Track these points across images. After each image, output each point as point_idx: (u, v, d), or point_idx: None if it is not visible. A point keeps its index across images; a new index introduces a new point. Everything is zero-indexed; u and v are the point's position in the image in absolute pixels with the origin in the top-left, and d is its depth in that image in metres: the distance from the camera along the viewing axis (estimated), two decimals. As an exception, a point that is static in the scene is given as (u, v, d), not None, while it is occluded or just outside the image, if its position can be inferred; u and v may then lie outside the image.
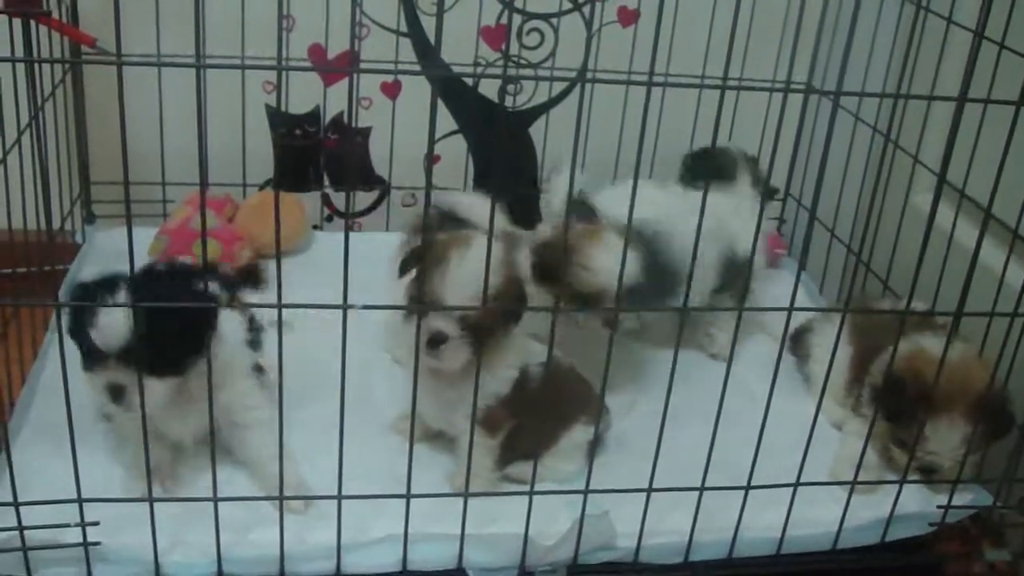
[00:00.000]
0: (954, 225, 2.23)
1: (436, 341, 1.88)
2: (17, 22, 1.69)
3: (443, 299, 1.85)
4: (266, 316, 2.11)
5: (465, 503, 1.79)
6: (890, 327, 1.93)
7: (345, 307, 1.57)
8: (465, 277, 1.84)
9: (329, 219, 3.27)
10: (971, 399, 2.02)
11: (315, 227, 3.17)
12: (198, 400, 1.77)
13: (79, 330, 1.72)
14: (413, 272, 1.94)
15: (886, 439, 2.14)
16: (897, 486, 1.99)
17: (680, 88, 1.66)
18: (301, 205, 3.05)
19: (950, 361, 1.92)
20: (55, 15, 2.45)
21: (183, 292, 1.78)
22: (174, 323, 1.69)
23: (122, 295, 1.69)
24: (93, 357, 1.72)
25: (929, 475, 2.09)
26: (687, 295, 1.65)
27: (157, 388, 1.76)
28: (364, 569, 1.86)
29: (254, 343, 2.07)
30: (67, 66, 2.71)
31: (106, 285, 1.73)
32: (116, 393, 1.75)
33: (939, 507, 2.03)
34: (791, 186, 3.20)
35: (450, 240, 1.91)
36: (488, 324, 1.89)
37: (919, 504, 2.06)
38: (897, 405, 2.06)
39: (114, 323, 1.68)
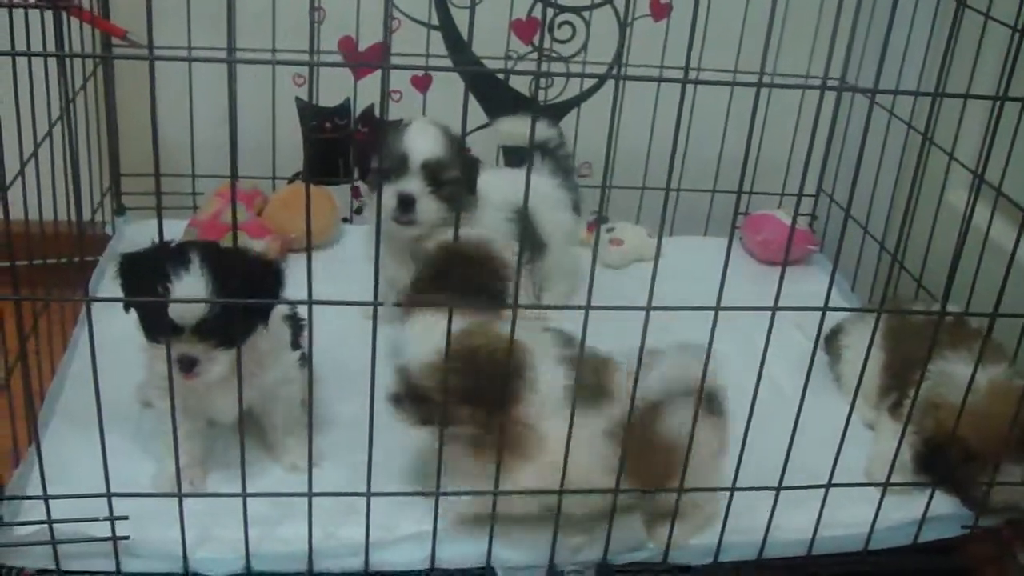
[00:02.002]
0: (990, 224, 2.20)
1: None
2: (49, 15, 1.69)
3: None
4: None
5: (495, 501, 1.78)
6: (923, 335, 1.91)
7: (376, 304, 1.56)
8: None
9: (359, 212, 3.27)
10: (1018, 439, 1.96)
11: (344, 220, 3.16)
12: (249, 374, 1.78)
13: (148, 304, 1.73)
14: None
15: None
16: (930, 488, 1.97)
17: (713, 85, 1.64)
18: (331, 198, 3.04)
19: (980, 410, 1.93)
20: (86, 7, 2.45)
21: (250, 263, 1.83)
22: (244, 292, 1.69)
23: (195, 266, 1.71)
24: (162, 330, 1.71)
25: (1012, 511, 2.06)
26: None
27: (223, 359, 1.78)
28: (392, 566, 1.86)
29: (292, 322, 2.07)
30: (98, 60, 2.71)
31: (176, 256, 1.73)
32: (188, 365, 1.77)
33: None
34: (823, 182, 3.18)
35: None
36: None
37: (952, 506, 2.05)
38: (944, 471, 2.03)
39: (192, 295, 1.69)
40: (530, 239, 2.36)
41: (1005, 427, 1.93)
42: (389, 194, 2.16)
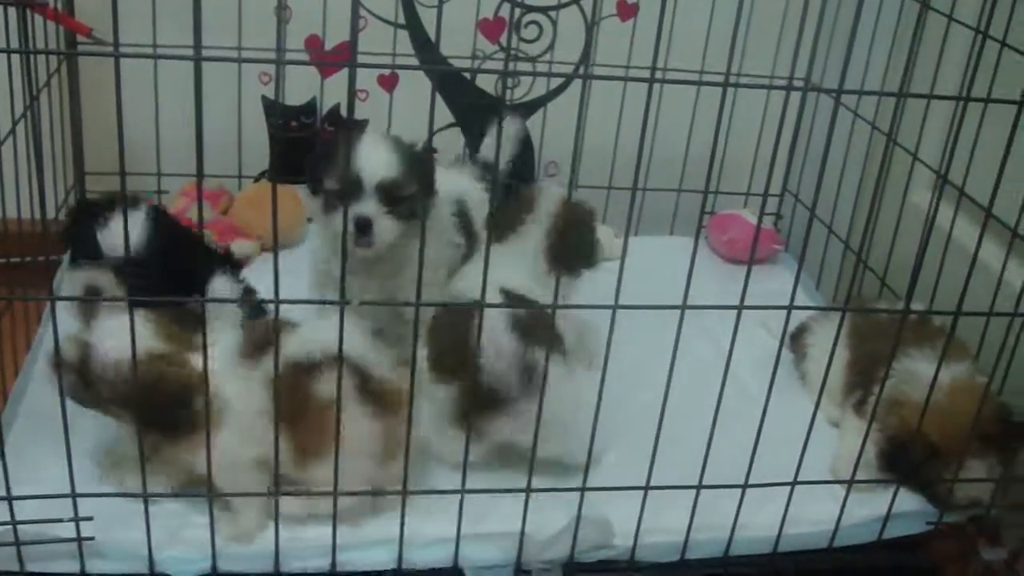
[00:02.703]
0: (952, 224, 2.22)
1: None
2: (12, 12, 1.68)
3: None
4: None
5: (462, 500, 1.78)
6: (887, 333, 1.92)
7: (343, 303, 1.56)
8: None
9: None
10: (980, 436, 1.99)
11: (310, 219, 3.15)
12: None
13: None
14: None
15: None
16: (894, 485, 1.99)
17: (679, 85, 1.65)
18: (297, 197, 3.03)
19: (942, 407, 1.96)
20: (51, 5, 2.43)
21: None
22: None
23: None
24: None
25: (975, 507, 2.08)
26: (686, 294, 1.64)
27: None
28: (360, 567, 1.85)
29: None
30: (62, 56, 2.69)
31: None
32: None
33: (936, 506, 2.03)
34: (788, 182, 3.19)
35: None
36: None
37: (916, 503, 2.06)
38: (908, 468, 2.04)
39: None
40: (470, 231, 2.37)
41: (967, 424, 1.95)
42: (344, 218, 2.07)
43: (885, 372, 1.92)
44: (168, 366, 1.70)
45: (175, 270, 1.83)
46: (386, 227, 2.08)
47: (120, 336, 1.59)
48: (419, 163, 2.12)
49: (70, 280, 1.91)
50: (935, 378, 1.90)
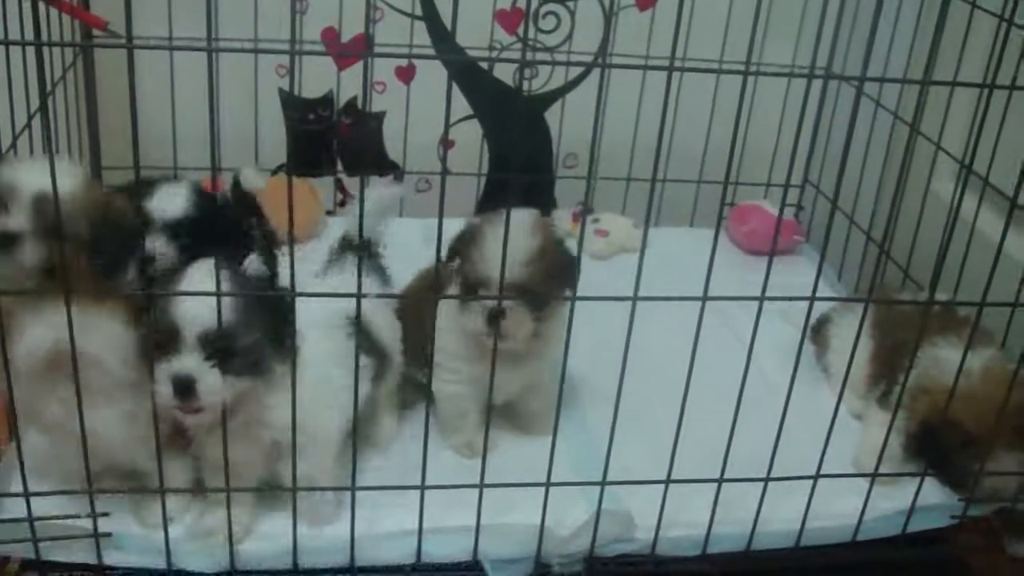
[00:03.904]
0: (976, 213, 2.20)
1: (495, 318, 1.88)
2: (27, 4, 1.67)
3: (490, 275, 1.85)
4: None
5: (480, 494, 1.77)
6: (911, 322, 1.90)
7: (359, 295, 1.55)
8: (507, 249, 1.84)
9: (342, 204, 3.25)
10: (1009, 424, 1.95)
11: (328, 212, 3.14)
12: None
13: None
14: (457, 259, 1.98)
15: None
16: (919, 478, 1.97)
17: (698, 73, 1.63)
18: (314, 190, 3.02)
19: (976, 393, 1.94)
20: (66, -2, 2.43)
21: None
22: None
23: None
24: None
25: (998, 499, 2.05)
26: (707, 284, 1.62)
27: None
28: (378, 562, 1.84)
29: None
30: (78, 49, 2.69)
31: None
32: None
33: (960, 500, 2.01)
34: (809, 172, 3.17)
35: (483, 222, 1.92)
36: (541, 288, 1.91)
37: (941, 496, 2.04)
38: (938, 454, 2.02)
39: None
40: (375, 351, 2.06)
41: (1001, 409, 1.92)
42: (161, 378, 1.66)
43: (910, 360, 1.89)
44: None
45: (214, 239, 1.85)
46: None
47: None
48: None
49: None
50: (962, 363, 1.88)
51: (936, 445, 2.01)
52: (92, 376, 1.61)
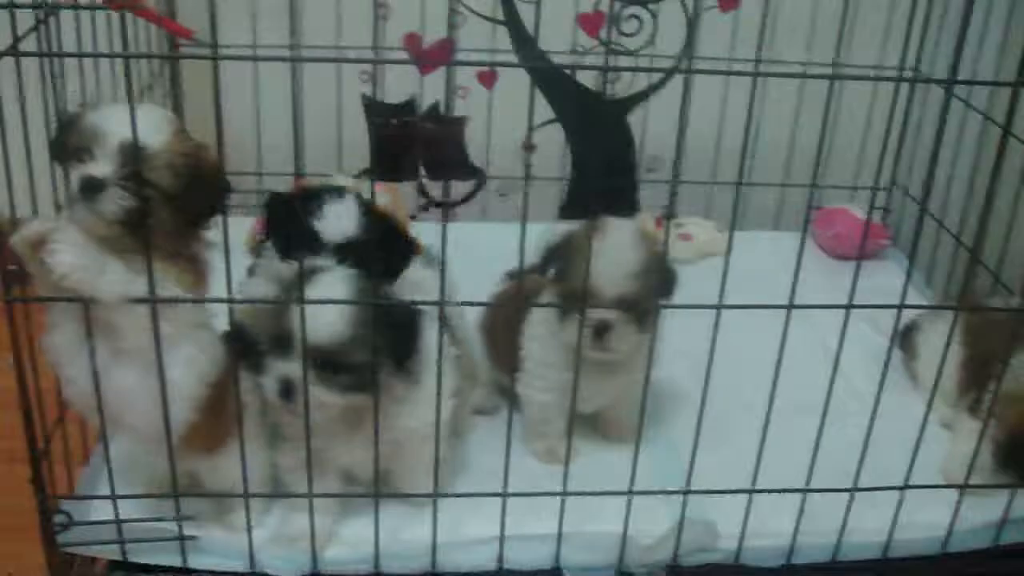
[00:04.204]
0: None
1: (601, 331, 1.88)
2: (114, 16, 1.70)
3: (597, 288, 1.84)
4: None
5: (563, 502, 1.76)
6: (1002, 329, 1.86)
7: (442, 303, 1.55)
8: (613, 261, 1.85)
9: (425, 208, 3.26)
10: None
11: (411, 217, 3.16)
12: None
13: None
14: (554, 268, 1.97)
15: None
16: (1010, 489, 1.92)
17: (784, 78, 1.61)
18: (398, 195, 3.04)
19: None
20: (152, 7, 2.46)
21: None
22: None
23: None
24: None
25: None
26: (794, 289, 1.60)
27: None
28: (459, 567, 1.84)
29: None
30: (163, 60, 2.73)
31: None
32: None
33: (1054, 511, 1.97)
34: (897, 175, 3.11)
35: (585, 231, 1.89)
36: (646, 302, 1.88)
37: (1034, 508, 1.99)
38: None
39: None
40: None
41: None
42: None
43: (1002, 368, 1.85)
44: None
45: (383, 256, 1.82)
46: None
47: None
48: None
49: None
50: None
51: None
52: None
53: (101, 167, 1.51)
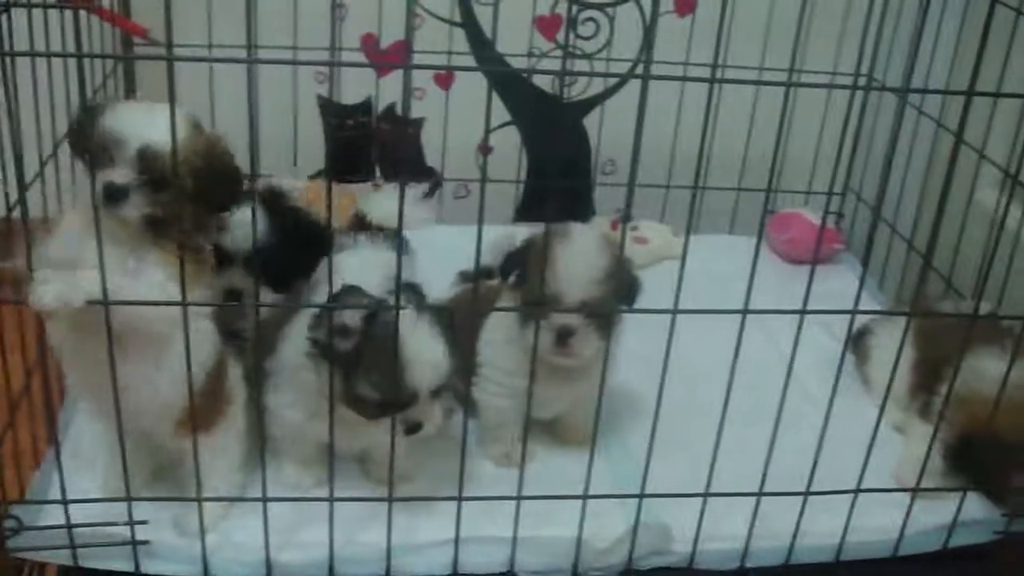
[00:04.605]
0: (1021, 223, 2.17)
1: (564, 336, 1.88)
2: (68, 14, 1.68)
3: (560, 292, 1.85)
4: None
5: (518, 505, 1.76)
6: (954, 332, 1.88)
7: (397, 308, 1.55)
8: (578, 267, 1.86)
9: (380, 210, 3.25)
10: None
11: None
12: None
13: None
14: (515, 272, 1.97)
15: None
16: (961, 492, 1.94)
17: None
18: (353, 197, 3.02)
19: (1018, 405, 1.89)
20: (106, 6, 2.44)
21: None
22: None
23: None
24: None
25: None
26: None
27: None
28: (415, 572, 1.83)
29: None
30: (117, 60, 2.69)
31: None
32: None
33: (1004, 515, 1.98)
34: (851, 181, 3.14)
35: (548, 236, 1.87)
36: (609, 308, 1.89)
37: (984, 511, 2.01)
38: (976, 467, 2.00)
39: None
40: None
41: None
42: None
43: (953, 372, 1.87)
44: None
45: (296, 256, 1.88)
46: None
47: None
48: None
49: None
50: (1007, 373, 1.85)
51: (975, 457, 1.98)
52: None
53: (122, 173, 1.55)
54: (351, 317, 1.66)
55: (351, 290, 1.69)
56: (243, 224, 1.81)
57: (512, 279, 1.98)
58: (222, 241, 1.86)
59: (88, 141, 1.56)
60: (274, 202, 1.98)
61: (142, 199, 1.56)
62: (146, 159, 1.54)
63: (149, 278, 1.58)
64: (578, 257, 1.88)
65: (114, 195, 1.54)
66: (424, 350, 1.71)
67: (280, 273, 1.83)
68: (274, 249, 1.83)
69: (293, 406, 1.86)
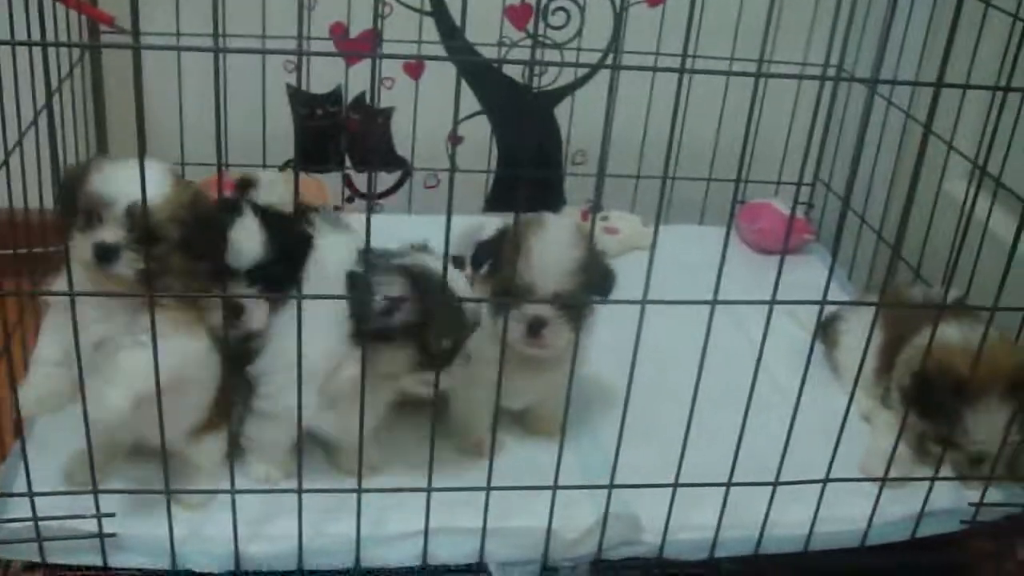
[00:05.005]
0: (989, 214, 2.18)
1: (537, 327, 1.89)
2: (32, 1, 1.66)
3: (534, 284, 1.87)
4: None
5: (487, 496, 1.75)
6: (918, 314, 1.89)
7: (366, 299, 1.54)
8: (552, 257, 1.87)
9: (350, 200, 3.24)
10: (1005, 378, 1.98)
11: (335, 208, 3.13)
12: None
13: None
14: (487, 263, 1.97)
15: (924, 438, 2.09)
16: (928, 482, 1.95)
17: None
18: (322, 186, 3.01)
19: (970, 344, 1.92)
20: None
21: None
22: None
23: None
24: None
25: (979, 465, 2.04)
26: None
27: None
28: (384, 563, 1.83)
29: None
30: (83, 49, 2.67)
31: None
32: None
33: (971, 504, 1.99)
34: (820, 171, 3.14)
35: (521, 226, 1.88)
36: (582, 300, 1.90)
37: (951, 501, 2.02)
38: (929, 403, 2.01)
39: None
40: None
41: (998, 361, 1.96)
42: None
43: (927, 351, 1.89)
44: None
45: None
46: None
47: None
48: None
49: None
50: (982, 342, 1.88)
51: (927, 390, 2.00)
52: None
53: (112, 232, 1.61)
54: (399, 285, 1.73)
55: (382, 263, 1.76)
56: (240, 240, 1.83)
57: (484, 269, 1.97)
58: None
59: (78, 203, 1.63)
60: (265, 212, 1.96)
61: (134, 256, 1.61)
62: (135, 215, 1.58)
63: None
64: (551, 248, 1.88)
65: (106, 254, 1.61)
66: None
67: (278, 280, 1.83)
68: (271, 259, 1.84)
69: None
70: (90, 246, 1.61)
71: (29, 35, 1.83)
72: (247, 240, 1.82)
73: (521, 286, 1.86)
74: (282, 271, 1.81)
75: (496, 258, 1.95)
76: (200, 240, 1.68)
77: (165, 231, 1.63)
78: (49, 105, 1.42)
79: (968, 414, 1.99)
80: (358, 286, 1.71)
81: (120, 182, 1.59)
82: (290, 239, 1.85)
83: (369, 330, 1.72)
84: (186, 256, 1.68)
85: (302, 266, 1.83)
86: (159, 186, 1.62)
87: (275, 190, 2.32)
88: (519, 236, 1.85)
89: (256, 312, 1.84)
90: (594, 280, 1.92)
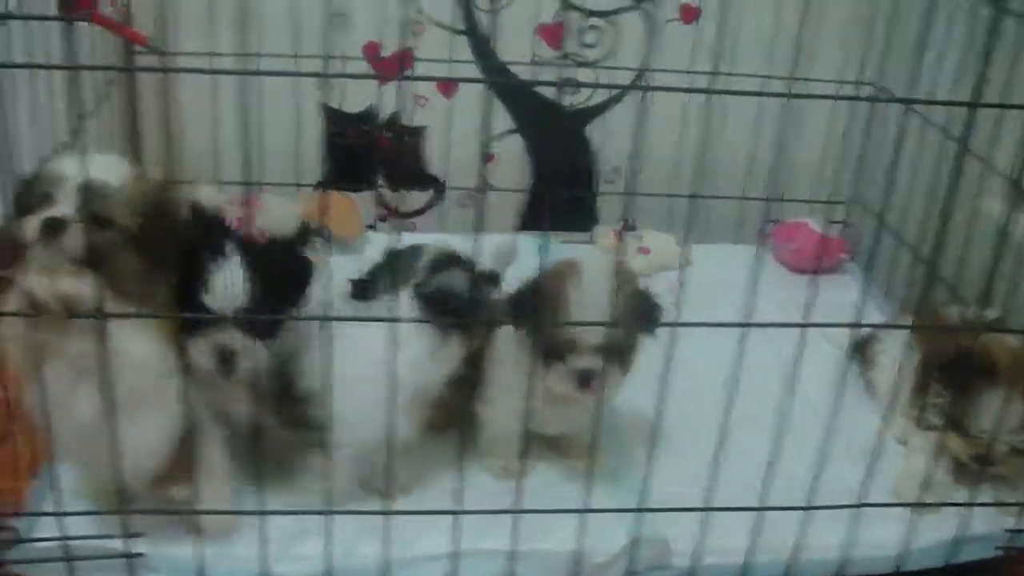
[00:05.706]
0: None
1: (587, 379, 1.86)
2: (65, 25, 1.68)
3: (578, 337, 1.84)
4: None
5: (516, 520, 1.74)
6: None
7: (394, 320, 1.54)
8: (593, 309, 1.83)
9: (383, 219, 3.24)
10: None
11: (369, 227, 3.14)
12: None
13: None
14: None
15: (929, 408, 2.10)
16: (965, 508, 1.93)
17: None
18: (355, 205, 3.02)
19: (1015, 347, 1.96)
20: (106, 12, 2.43)
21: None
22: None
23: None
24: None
25: (985, 466, 2.02)
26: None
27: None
28: (412, 584, 1.82)
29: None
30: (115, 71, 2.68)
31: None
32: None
33: (1007, 530, 1.97)
34: (856, 189, 3.12)
35: (557, 273, 1.87)
36: (629, 343, 1.89)
37: (987, 526, 1.99)
38: (961, 376, 2.00)
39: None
40: None
41: None
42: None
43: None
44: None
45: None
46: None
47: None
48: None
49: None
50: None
51: (964, 364, 1.99)
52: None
53: (62, 208, 1.57)
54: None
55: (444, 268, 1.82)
56: (225, 282, 1.74)
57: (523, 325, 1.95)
58: (206, 302, 1.76)
59: (33, 195, 1.61)
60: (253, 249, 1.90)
61: (81, 233, 1.56)
62: (86, 193, 1.56)
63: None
64: (592, 297, 1.85)
65: (52, 228, 1.56)
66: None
67: (267, 325, 1.79)
68: (257, 303, 1.75)
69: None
70: (38, 222, 1.57)
71: (66, 60, 1.85)
72: (230, 285, 1.74)
73: (567, 342, 1.85)
74: (272, 310, 1.77)
75: (535, 313, 1.92)
76: (155, 236, 1.64)
77: (117, 214, 1.59)
78: (81, 127, 1.43)
79: (983, 399, 1.98)
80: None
81: (75, 164, 1.58)
82: (281, 274, 1.81)
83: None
84: (140, 254, 1.63)
85: (300, 296, 1.81)
86: (116, 172, 1.62)
87: (277, 214, 2.28)
88: (556, 286, 1.84)
89: (249, 352, 1.78)
90: (639, 318, 1.90)
